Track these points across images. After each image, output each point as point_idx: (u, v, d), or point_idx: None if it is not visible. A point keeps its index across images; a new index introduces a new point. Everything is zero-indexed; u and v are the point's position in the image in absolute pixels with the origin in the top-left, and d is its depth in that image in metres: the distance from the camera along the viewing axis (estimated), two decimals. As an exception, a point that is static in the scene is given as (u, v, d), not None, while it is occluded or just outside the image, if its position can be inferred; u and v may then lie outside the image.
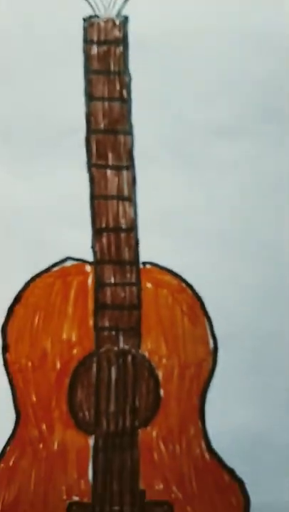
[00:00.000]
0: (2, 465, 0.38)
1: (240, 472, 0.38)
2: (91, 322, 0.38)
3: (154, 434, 0.37)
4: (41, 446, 0.37)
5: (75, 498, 0.37)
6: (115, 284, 0.38)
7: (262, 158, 0.38)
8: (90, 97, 0.37)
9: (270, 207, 0.38)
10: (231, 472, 0.38)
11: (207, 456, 0.37)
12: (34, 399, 0.37)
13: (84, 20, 0.37)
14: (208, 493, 0.37)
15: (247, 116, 0.38)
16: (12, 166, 0.38)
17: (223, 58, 0.38)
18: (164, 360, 0.38)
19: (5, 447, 0.38)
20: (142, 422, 0.37)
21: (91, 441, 0.37)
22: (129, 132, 0.38)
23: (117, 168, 0.38)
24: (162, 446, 0.37)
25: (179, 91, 0.38)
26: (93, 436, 0.37)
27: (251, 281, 0.38)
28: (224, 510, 0.37)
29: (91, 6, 0.38)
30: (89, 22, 0.37)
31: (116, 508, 0.37)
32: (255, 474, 0.38)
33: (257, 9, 0.38)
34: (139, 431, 0.38)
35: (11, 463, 0.37)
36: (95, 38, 0.37)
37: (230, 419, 0.38)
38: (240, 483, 0.38)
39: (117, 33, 0.37)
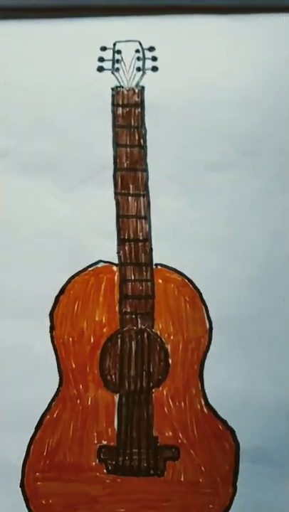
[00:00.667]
0: (48, 417, 0.45)
1: (231, 423, 0.45)
2: (117, 308, 0.46)
3: (165, 392, 0.45)
4: (78, 401, 0.45)
5: (104, 442, 0.45)
6: (135, 280, 0.46)
7: (241, 184, 0.46)
8: (116, 144, 0.46)
9: (250, 220, 0.46)
10: (224, 423, 0.45)
11: (205, 410, 0.45)
12: (73, 365, 0.45)
13: (112, 89, 0.47)
14: (207, 439, 0.45)
15: (228, 155, 0.46)
16: (57, 193, 0.46)
17: (210, 115, 0.46)
18: (171, 337, 0.46)
19: (50, 403, 0.45)
20: (155, 383, 0.45)
21: (116, 398, 0.45)
22: (145, 170, 0.47)
23: (136, 196, 0.47)
24: (171, 402, 0.45)
25: (180, 140, 0.46)
26: (118, 394, 0.45)
27: (238, 278, 0.46)
28: (219, 452, 0.45)
29: (117, 79, 0.47)
30: (116, 90, 0.46)
31: (135, 450, 0.45)
32: (243, 424, 0.45)
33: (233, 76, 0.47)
34: (153, 390, 0.45)
35: (54, 415, 0.45)
36: (120, 102, 0.47)
37: (223, 381, 0.45)
38: (232, 431, 0.45)
39: (136, 99, 0.47)
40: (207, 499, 0.45)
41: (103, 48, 0.47)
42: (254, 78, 0.47)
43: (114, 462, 0.45)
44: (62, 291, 0.46)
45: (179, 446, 0.45)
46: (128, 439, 0.45)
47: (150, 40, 0.47)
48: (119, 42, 0.47)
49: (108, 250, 0.46)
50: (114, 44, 0.47)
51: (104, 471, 0.45)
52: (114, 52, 0.47)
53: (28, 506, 0.45)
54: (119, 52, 0.47)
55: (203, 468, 0.45)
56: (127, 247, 0.46)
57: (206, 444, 0.45)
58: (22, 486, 0.45)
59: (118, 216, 0.46)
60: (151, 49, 0.47)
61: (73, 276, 0.46)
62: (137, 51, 0.47)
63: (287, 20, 0.47)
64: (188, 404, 0.45)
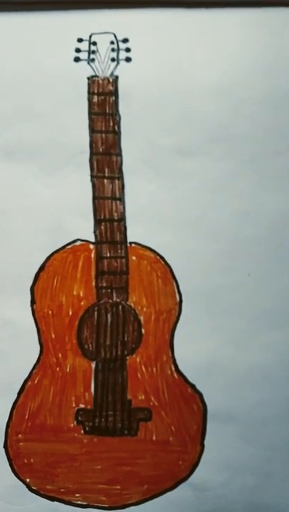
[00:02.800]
0: (29, 383, 0.48)
1: (199, 387, 0.49)
2: (93, 283, 0.49)
3: (138, 360, 0.48)
4: (58, 369, 0.48)
5: (82, 406, 0.48)
6: (110, 257, 0.49)
7: (209, 168, 0.49)
8: (92, 130, 0.49)
9: (217, 201, 0.49)
10: (193, 387, 0.49)
11: (175, 375, 0.49)
12: (53, 336, 0.48)
13: (88, 78, 0.49)
14: (176, 402, 0.49)
15: (197, 141, 0.49)
16: (39, 176, 0.49)
17: (180, 103, 0.49)
18: (144, 309, 0.49)
19: (32, 370, 0.48)
20: (129, 351, 0.48)
21: (93, 365, 0.48)
22: (119, 154, 0.49)
23: (111, 178, 0.49)
24: (143, 369, 0.48)
25: (152, 126, 0.49)
26: (94, 362, 0.48)
27: (206, 254, 0.49)
28: (188, 414, 0.48)
29: (93, 69, 0.49)
30: (91, 80, 0.49)
31: (110, 412, 0.48)
32: (210, 388, 0.48)
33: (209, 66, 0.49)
34: (127, 358, 0.49)
35: (36, 381, 0.48)
36: (96, 91, 0.49)
37: (192, 349, 0.49)
38: (200, 394, 0.49)
39: (110, 87, 0.49)
40: (177, 456, 0.48)
41: (80, 40, 0.49)
42: (223, 69, 0.49)
43: (91, 424, 0.48)
44: (42, 267, 0.49)
45: (151, 409, 0.49)
46: (104, 402, 0.48)
47: (124, 32, 0.49)
48: (94, 34, 0.49)
49: (85, 229, 0.49)
50: (90, 36, 0.49)
51: (82, 431, 0.48)
52: (90, 44, 0.49)
53: (11, 465, 0.48)
54: (94, 43, 0.49)
55: (173, 428, 0.48)
56: (102, 227, 0.49)
57: (176, 406, 0.49)
58: (5, 447, 0.49)
59: (94, 198, 0.49)
60: (125, 41, 0.49)
61: (52, 254, 0.49)
62: (112, 43, 0.49)
63: (258, 14, 0.50)
64: (160, 370, 0.49)
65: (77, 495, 0.48)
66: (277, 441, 0.49)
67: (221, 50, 0.50)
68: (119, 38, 0.49)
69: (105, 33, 0.49)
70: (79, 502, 0.48)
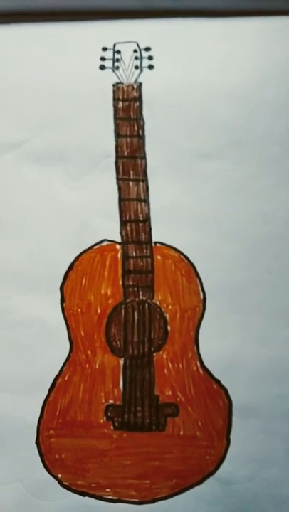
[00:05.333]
0: (60, 380, 0.50)
1: (224, 382, 0.50)
2: (120, 282, 0.50)
3: (164, 356, 0.50)
4: (87, 366, 0.50)
5: (111, 402, 0.49)
6: (136, 257, 0.50)
7: (229, 170, 0.50)
8: (117, 134, 0.50)
9: (237, 202, 0.50)
10: (218, 382, 0.50)
11: (201, 371, 0.50)
12: (82, 333, 0.50)
13: (113, 85, 0.51)
14: (202, 397, 0.50)
15: (217, 144, 0.50)
16: (65, 180, 0.50)
17: (201, 108, 0.50)
18: (169, 307, 0.50)
19: (62, 367, 0.50)
20: (156, 348, 0.50)
21: (121, 362, 0.50)
22: (143, 157, 0.51)
23: (136, 181, 0.51)
24: (170, 365, 0.50)
25: (174, 130, 0.50)
26: (123, 359, 0.50)
27: (228, 253, 0.50)
28: (214, 409, 0.49)
29: (117, 76, 0.51)
30: (116, 86, 0.51)
31: (139, 408, 0.49)
32: (235, 383, 0.49)
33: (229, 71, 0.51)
34: (154, 354, 0.50)
35: (66, 378, 0.50)
36: (120, 97, 0.51)
37: (216, 345, 0.50)
38: (225, 390, 0.50)
39: (134, 94, 0.51)
40: (204, 451, 0.49)
41: (104, 49, 0.51)
42: (242, 76, 0.51)
43: (120, 419, 0.49)
44: (71, 267, 0.50)
45: (178, 404, 0.50)
46: (132, 398, 0.49)
47: (146, 41, 0.51)
48: (118, 43, 0.51)
49: (112, 230, 0.51)
50: (114, 45, 0.51)
51: (112, 427, 0.49)
52: (114, 52, 0.51)
53: (43, 461, 0.49)
54: (118, 52, 0.51)
55: (199, 423, 0.49)
56: (128, 227, 0.50)
57: (202, 401, 0.50)
58: (37, 442, 0.50)
59: (120, 199, 0.51)
60: (148, 49, 0.51)
61: (81, 254, 0.51)
62: (135, 51, 0.51)
63: (273, 22, 0.52)
64: (186, 366, 0.50)
65: (108, 490, 0.49)
66: None
67: (238, 58, 0.51)
68: (142, 46, 0.51)
69: (128, 42, 0.51)
70: (109, 497, 0.49)
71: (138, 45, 0.51)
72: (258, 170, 0.51)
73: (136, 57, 0.51)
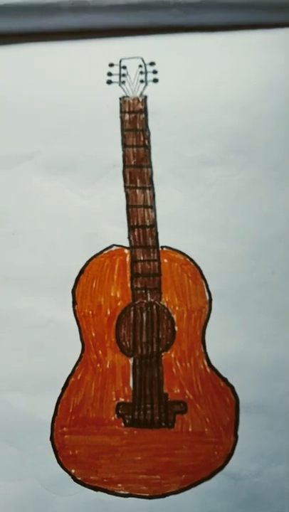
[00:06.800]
0: (72, 379, 0.51)
1: (231, 380, 0.51)
2: (129, 285, 0.52)
3: (172, 355, 0.51)
4: (98, 365, 0.51)
5: (121, 400, 0.51)
6: (143, 261, 0.52)
7: (231, 176, 0.53)
8: (124, 145, 0.53)
9: (240, 206, 0.52)
10: (225, 380, 0.51)
11: (208, 369, 0.51)
12: (93, 334, 0.51)
13: (120, 99, 0.53)
14: (210, 395, 0.51)
15: (219, 152, 0.53)
16: (76, 188, 0.53)
17: (203, 119, 0.53)
18: (177, 308, 0.52)
19: (74, 367, 0.51)
20: (164, 347, 0.51)
21: (131, 361, 0.51)
22: (149, 166, 0.53)
23: (143, 188, 0.53)
24: (178, 364, 0.51)
25: (178, 140, 0.53)
26: (132, 358, 0.51)
27: (232, 256, 0.52)
28: (221, 406, 0.51)
29: (124, 90, 0.54)
30: (123, 100, 0.53)
31: (148, 405, 0.51)
32: (242, 381, 0.51)
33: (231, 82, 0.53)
34: (162, 354, 0.51)
35: (78, 377, 0.51)
36: (127, 110, 0.53)
37: (222, 344, 0.51)
38: (232, 387, 0.51)
39: (140, 106, 0.53)
40: (212, 447, 0.51)
41: (111, 65, 0.54)
42: (243, 87, 0.54)
43: (130, 416, 0.51)
44: (82, 271, 0.52)
45: (186, 402, 0.51)
46: (142, 396, 0.51)
47: (151, 56, 0.54)
48: (124, 59, 0.54)
49: (120, 235, 0.53)
50: (120, 61, 0.54)
51: (122, 424, 0.51)
52: (120, 68, 0.54)
53: (57, 457, 0.51)
54: (124, 67, 0.54)
55: (207, 420, 0.51)
56: (136, 233, 0.53)
57: (209, 399, 0.51)
58: (52, 439, 0.51)
59: (128, 206, 0.53)
60: (152, 64, 0.54)
61: (91, 259, 0.53)
62: (140, 66, 0.54)
63: (275, 35, 0.54)
64: (193, 365, 0.51)
65: (120, 485, 0.50)
66: None
67: (239, 70, 0.54)
68: (147, 61, 0.54)
69: (134, 57, 0.54)
70: (121, 492, 0.51)
71: (143, 60, 0.54)
72: (259, 175, 0.53)
73: (141, 72, 0.54)
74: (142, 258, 0.52)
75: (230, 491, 0.50)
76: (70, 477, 0.51)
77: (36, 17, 0.53)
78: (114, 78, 0.54)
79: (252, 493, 0.50)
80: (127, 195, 0.53)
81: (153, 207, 0.53)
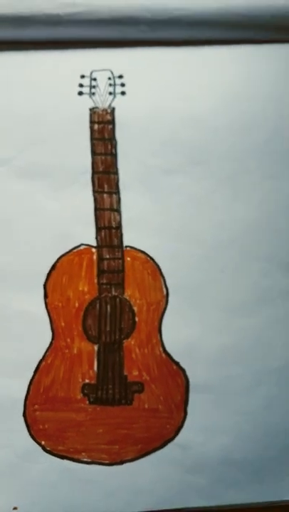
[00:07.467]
0: (43, 363, 0.56)
1: (183, 364, 0.57)
2: (95, 280, 0.56)
3: (132, 342, 0.57)
4: (67, 351, 0.56)
5: (86, 381, 0.56)
6: (109, 259, 0.56)
7: (191, 185, 0.57)
8: (93, 153, 0.56)
9: (197, 212, 0.56)
10: (177, 364, 0.57)
11: (163, 355, 0.57)
12: (63, 324, 0.56)
13: (90, 110, 0.56)
14: (164, 377, 0.57)
15: (180, 162, 0.56)
16: (48, 192, 0.56)
17: (166, 130, 0.56)
18: (137, 301, 0.57)
19: (45, 353, 0.56)
20: (125, 336, 0.57)
21: (96, 347, 0.56)
22: (116, 173, 0.56)
23: (110, 193, 0.56)
24: (137, 350, 0.57)
25: (143, 150, 0.56)
26: (97, 345, 0.56)
27: (188, 256, 0.57)
28: (174, 386, 0.57)
29: (94, 101, 0.57)
30: (92, 111, 0.56)
31: (110, 386, 0.56)
32: (192, 365, 0.56)
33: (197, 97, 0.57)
34: (124, 341, 0.57)
35: (49, 361, 0.56)
36: (96, 120, 0.56)
37: (176, 333, 0.57)
38: (183, 370, 0.57)
39: (108, 117, 0.56)
40: (165, 421, 0.57)
41: (82, 76, 0.57)
42: (204, 101, 0.57)
43: (94, 395, 0.56)
44: (53, 267, 0.56)
45: (143, 382, 0.57)
46: (105, 377, 0.56)
47: (119, 68, 0.57)
48: (95, 71, 0.57)
49: (88, 236, 0.56)
50: (91, 72, 0.57)
51: (87, 402, 0.56)
52: (91, 80, 0.57)
53: (29, 431, 0.56)
54: (95, 79, 0.57)
55: (161, 398, 0.57)
56: (103, 233, 0.56)
57: (163, 380, 0.57)
58: (24, 415, 0.56)
59: (96, 209, 0.56)
60: (120, 77, 0.57)
61: (61, 256, 0.56)
62: (109, 78, 0.57)
63: (232, 52, 0.58)
64: (150, 351, 0.57)
65: (84, 454, 0.57)
66: (246, 408, 0.58)
67: (199, 85, 0.57)
68: (116, 74, 0.57)
69: (103, 70, 0.57)
70: (85, 460, 0.57)
71: (112, 72, 0.57)
72: (216, 185, 0.58)
73: (110, 84, 0.57)
74: (107, 256, 0.56)
75: (179, 458, 0.57)
76: (40, 448, 0.56)
77: (10, 28, 0.55)
78: (85, 90, 0.57)
79: (198, 461, 0.57)
80: (95, 199, 0.57)
81: (119, 210, 0.57)
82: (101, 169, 0.57)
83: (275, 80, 0.59)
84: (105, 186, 0.57)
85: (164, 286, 0.57)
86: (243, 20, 0.57)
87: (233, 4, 0.56)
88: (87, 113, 0.57)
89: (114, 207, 0.57)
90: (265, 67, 0.59)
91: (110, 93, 0.57)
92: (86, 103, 0.57)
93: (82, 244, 0.57)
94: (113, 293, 0.57)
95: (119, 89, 0.58)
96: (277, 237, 0.59)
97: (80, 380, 0.57)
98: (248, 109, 0.59)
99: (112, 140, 0.57)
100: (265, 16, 0.57)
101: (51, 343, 0.57)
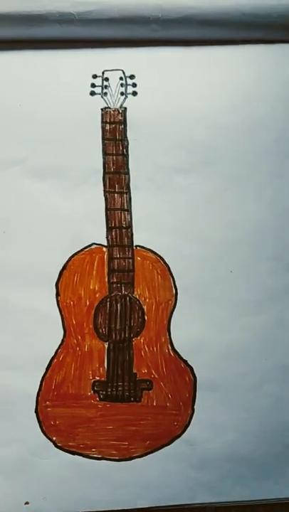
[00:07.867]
0: (55, 360, 0.57)
1: (190, 362, 0.58)
2: (106, 279, 0.57)
3: (142, 341, 0.58)
4: (78, 349, 0.57)
5: (97, 378, 0.58)
6: (119, 258, 0.57)
7: (200, 184, 0.57)
8: (105, 153, 0.57)
9: (207, 211, 0.57)
10: (185, 362, 0.58)
11: (172, 353, 0.58)
12: (74, 322, 0.57)
13: (101, 110, 0.57)
14: (172, 374, 0.58)
15: (191, 162, 0.57)
16: (60, 192, 0.57)
17: (177, 130, 0.57)
18: (147, 300, 0.58)
19: (57, 350, 0.57)
20: (135, 334, 0.58)
21: (106, 345, 0.58)
22: (127, 173, 0.57)
23: (121, 193, 0.57)
24: (146, 348, 0.58)
25: (154, 150, 0.57)
26: (107, 343, 0.58)
27: (198, 255, 0.58)
28: (182, 384, 0.58)
29: (105, 102, 0.57)
30: (104, 111, 0.57)
31: (120, 383, 0.58)
32: (200, 363, 0.58)
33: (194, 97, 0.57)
34: (133, 339, 0.58)
35: (60, 358, 0.57)
36: (108, 120, 0.57)
37: (185, 332, 0.58)
38: (191, 368, 0.58)
39: (120, 117, 0.57)
40: (173, 418, 0.58)
41: (94, 76, 0.57)
42: (214, 100, 0.58)
43: (104, 392, 0.58)
44: (64, 267, 0.57)
45: (152, 380, 0.58)
46: (115, 375, 0.58)
47: (131, 68, 0.58)
48: (107, 70, 0.57)
49: (99, 235, 0.57)
50: (103, 72, 0.57)
51: (97, 399, 0.58)
52: (103, 80, 0.57)
53: (40, 427, 0.58)
54: (107, 79, 0.57)
55: (170, 396, 0.58)
56: (113, 233, 0.57)
57: (172, 378, 0.58)
58: (36, 411, 0.57)
59: (106, 209, 0.57)
60: (132, 77, 0.58)
61: (73, 256, 0.57)
62: (121, 78, 0.57)
63: (245, 52, 0.58)
64: (159, 349, 0.58)
65: (93, 449, 0.58)
66: (253, 405, 0.59)
67: (210, 84, 0.58)
68: (127, 74, 0.58)
69: (115, 70, 0.58)
70: (95, 455, 0.58)
71: (124, 72, 0.58)
72: (226, 185, 0.58)
73: (121, 84, 0.58)
74: (118, 256, 0.57)
75: (187, 454, 0.58)
76: (51, 443, 0.58)
77: (24, 27, 0.56)
78: (97, 90, 0.57)
79: (205, 457, 0.59)
80: (106, 199, 0.57)
81: (129, 210, 0.57)
82: (112, 169, 0.57)
83: (285, 79, 0.60)
84: (116, 186, 0.57)
85: (173, 286, 0.58)
86: (254, 19, 0.57)
87: (244, 3, 0.56)
88: (99, 113, 0.58)
89: (125, 207, 0.58)
90: (275, 67, 0.60)
91: (122, 93, 0.58)
92: (98, 103, 0.58)
93: (93, 244, 0.58)
94: (123, 292, 0.58)
95: (130, 89, 0.58)
96: (286, 236, 0.60)
97: (91, 377, 0.58)
98: (258, 109, 0.59)
99: (123, 140, 0.58)
100: (273, 15, 0.57)
101: (63, 341, 0.58)
